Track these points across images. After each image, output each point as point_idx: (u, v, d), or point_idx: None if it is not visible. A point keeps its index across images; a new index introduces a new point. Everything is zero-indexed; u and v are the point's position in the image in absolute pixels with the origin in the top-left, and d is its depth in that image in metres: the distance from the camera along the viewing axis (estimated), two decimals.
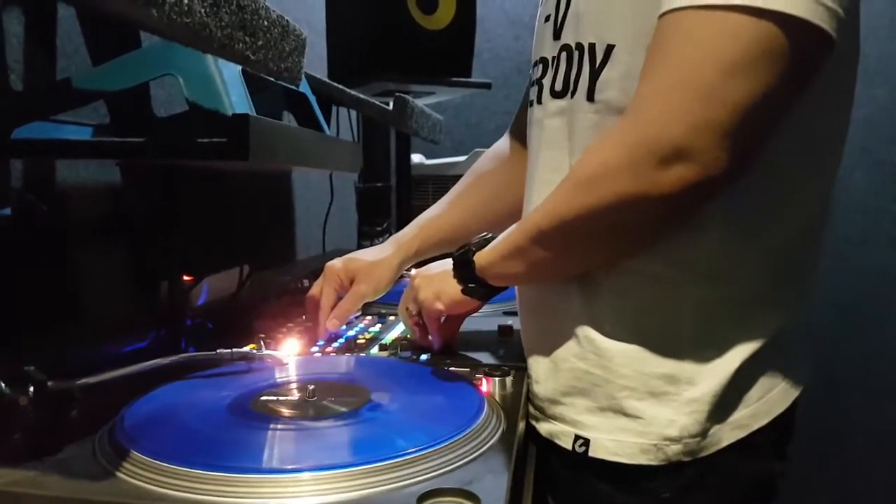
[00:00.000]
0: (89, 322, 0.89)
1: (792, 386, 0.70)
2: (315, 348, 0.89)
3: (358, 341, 0.92)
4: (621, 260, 0.67)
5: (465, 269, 0.78)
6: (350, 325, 1.01)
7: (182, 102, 0.73)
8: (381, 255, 0.94)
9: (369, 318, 1.06)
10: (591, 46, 0.67)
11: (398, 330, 0.99)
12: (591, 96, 0.67)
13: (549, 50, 0.74)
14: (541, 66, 0.76)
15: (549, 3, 0.74)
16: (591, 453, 0.68)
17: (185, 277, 1.02)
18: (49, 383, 0.56)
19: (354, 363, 0.82)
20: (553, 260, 0.69)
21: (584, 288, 0.70)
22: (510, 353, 0.86)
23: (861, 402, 2.06)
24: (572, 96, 0.70)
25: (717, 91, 0.55)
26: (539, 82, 0.76)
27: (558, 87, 0.72)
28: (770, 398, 0.68)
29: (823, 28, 0.54)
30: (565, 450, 0.70)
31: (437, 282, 0.82)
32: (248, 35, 0.55)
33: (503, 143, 1.00)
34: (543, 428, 0.74)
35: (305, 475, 0.50)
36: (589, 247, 0.67)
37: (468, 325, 0.95)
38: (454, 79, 1.50)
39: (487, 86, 1.57)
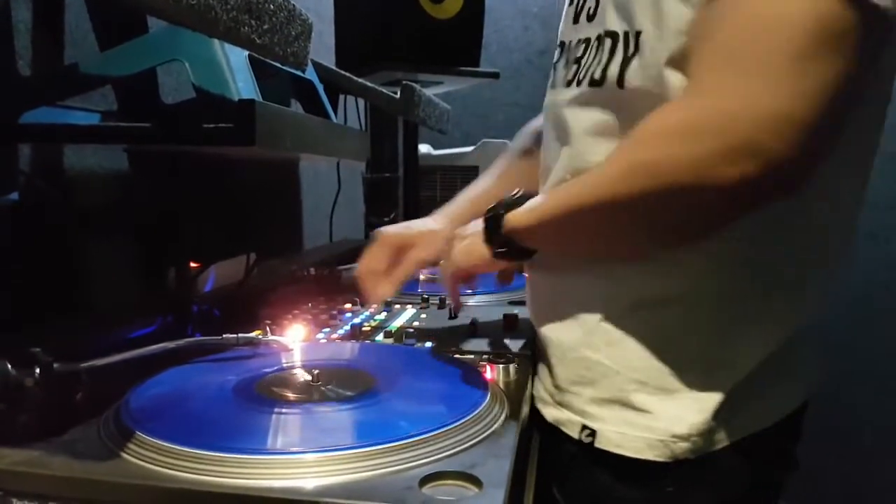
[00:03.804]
0: (96, 307, 0.90)
1: (802, 387, 0.70)
2: (321, 335, 0.89)
3: (363, 329, 0.92)
4: (659, 250, 0.65)
5: (494, 231, 0.75)
6: (355, 312, 1.02)
7: (190, 91, 0.73)
8: (436, 225, 0.93)
9: (374, 305, 1.06)
10: (626, 35, 0.64)
11: (403, 318, 0.99)
12: (620, 83, 0.65)
13: (570, 34, 0.73)
14: (559, 50, 0.75)
15: None
16: (597, 444, 0.68)
17: (193, 264, 1.02)
18: (55, 365, 0.57)
19: (359, 349, 0.83)
20: (589, 238, 0.67)
21: (599, 279, 0.69)
22: (515, 342, 0.86)
23: (869, 399, 2.05)
24: (601, 84, 0.67)
25: (785, 80, 0.52)
26: (570, 65, 0.73)
27: (585, 73, 0.69)
28: (780, 398, 0.68)
29: (881, 5, 0.51)
30: (570, 439, 0.70)
31: (467, 243, 0.80)
32: (253, 18, 0.55)
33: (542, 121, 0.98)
34: (550, 414, 0.73)
35: (309, 456, 0.50)
36: (629, 233, 0.64)
37: (474, 314, 0.95)
38: (462, 68, 1.49)
39: (496, 75, 1.57)
